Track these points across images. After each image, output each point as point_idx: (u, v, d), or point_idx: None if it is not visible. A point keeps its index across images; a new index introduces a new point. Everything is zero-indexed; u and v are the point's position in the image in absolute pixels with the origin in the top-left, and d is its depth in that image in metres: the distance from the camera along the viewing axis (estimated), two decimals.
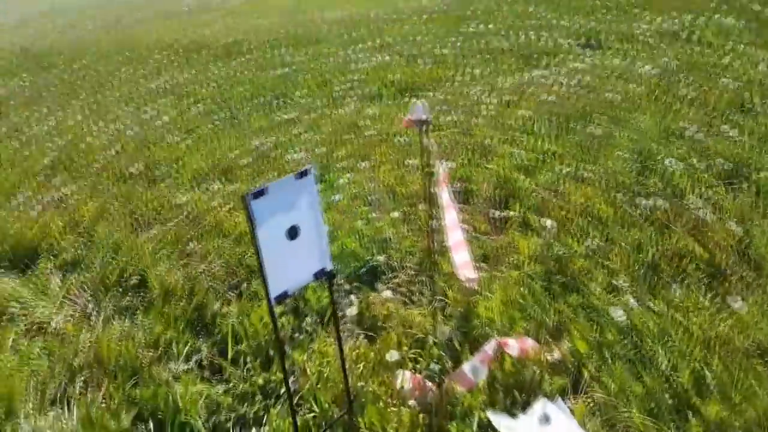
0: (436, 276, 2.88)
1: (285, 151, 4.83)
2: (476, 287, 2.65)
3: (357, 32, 9.78)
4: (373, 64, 7.31)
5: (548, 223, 3.04)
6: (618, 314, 2.35)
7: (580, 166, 3.72)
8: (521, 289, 2.71)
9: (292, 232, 1.90)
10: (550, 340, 2.46)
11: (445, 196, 2.40)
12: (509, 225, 3.30)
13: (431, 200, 2.41)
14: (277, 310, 2.92)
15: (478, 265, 2.98)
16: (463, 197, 3.75)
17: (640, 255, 2.84)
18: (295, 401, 2.45)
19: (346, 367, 2.24)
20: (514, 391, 2.25)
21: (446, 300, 2.76)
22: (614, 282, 2.67)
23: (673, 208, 3.10)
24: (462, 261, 2.55)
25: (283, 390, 2.51)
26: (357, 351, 2.53)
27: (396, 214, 3.53)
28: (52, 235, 4.17)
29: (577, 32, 7.23)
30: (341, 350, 2.22)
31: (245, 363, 2.71)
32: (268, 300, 1.87)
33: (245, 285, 3.26)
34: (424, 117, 2.18)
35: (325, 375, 2.42)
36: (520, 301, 2.65)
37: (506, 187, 3.65)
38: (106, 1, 28.04)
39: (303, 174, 1.91)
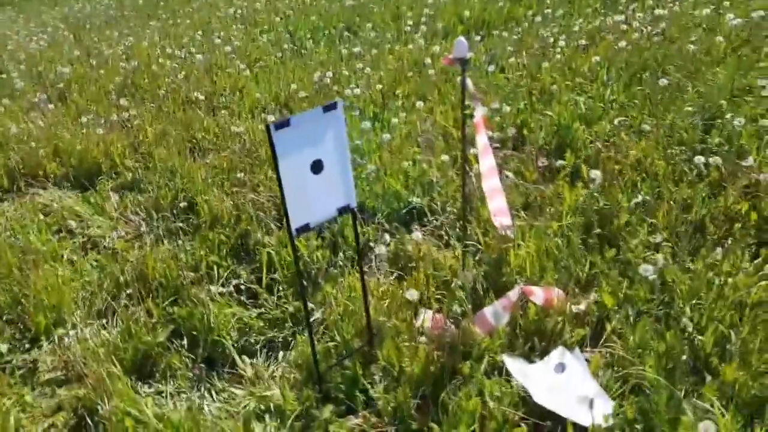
0: (473, 221, 2.83)
1: (345, 87, 4.78)
2: (511, 234, 2.58)
3: None
4: None
5: (595, 174, 2.89)
6: (650, 271, 2.24)
7: (642, 118, 3.48)
8: (557, 240, 2.62)
9: (316, 166, 1.90)
10: (578, 291, 2.39)
11: (482, 140, 2.32)
12: (559, 175, 3.17)
13: (465, 143, 2.33)
14: (315, 243, 2.96)
15: (518, 213, 2.90)
16: (517, 143, 3.62)
17: (688, 214, 2.67)
18: (320, 330, 2.53)
19: (369, 302, 2.27)
20: (534, 338, 2.23)
21: (479, 245, 2.71)
22: (653, 239, 2.53)
23: (730, 168, 2.87)
24: (497, 207, 2.49)
25: (311, 318, 2.58)
26: (383, 288, 2.55)
27: (446, 158, 3.46)
28: (114, 156, 4.37)
29: None
30: (364, 286, 2.25)
31: (279, 291, 2.79)
32: (289, 231, 1.90)
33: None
34: (465, 56, 2.08)
35: (350, 309, 2.46)
36: (555, 252, 2.56)
37: (562, 136, 3.48)
38: None
39: (331, 107, 1.88)
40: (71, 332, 2.76)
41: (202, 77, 5.61)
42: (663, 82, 3.71)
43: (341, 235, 3.07)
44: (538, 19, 5.66)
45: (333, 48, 6.03)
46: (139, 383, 2.47)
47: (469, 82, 2.14)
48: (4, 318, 2.91)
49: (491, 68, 4.61)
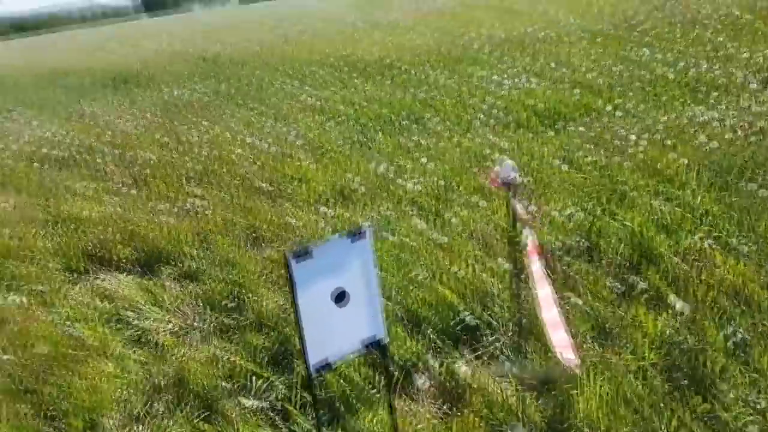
0: (533, 351, 2.51)
1: (405, 180, 4.67)
2: (578, 371, 2.24)
3: (510, 52, 9.39)
4: (518, 88, 6.90)
5: (680, 305, 2.50)
6: None
7: (734, 232, 3.07)
8: (635, 382, 2.25)
9: (340, 297, 1.71)
10: None
11: (535, 268, 2.05)
12: (636, 296, 2.80)
13: (516, 268, 2.07)
14: (360, 359, 2.73)
15: (586, 341, 2.55)
16: (587, 254, 3.29)
17: None
18: None
19: None
20: None
21: (538, 383, 2.38)
22: (755, 400, 2.11)
23: None
24: (560, 341, 2.17)
25: None
26: (420, 426, 2.26)
27: (506, 265, 3.18)
28: (180, 244, 4.41)
29: (758, 65, 6.17)
30: (395, 427, 1.98)
31: (310, 413, 2.56)
32: (307, 369, 1.70)
33: None
34: (513, 178, 1.87)
35: None
36: (631, 398, 2.19)
37: (640, 248, 3.12)
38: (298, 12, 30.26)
39: (358, 234, 1.71)
40: None
41: (272, 166, 5.70)
42: (755, 188, 3.30)
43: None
44: (611, 110, 5.35)
45: (397, 138, 6.01)
46: None
47: (518, 205, 1.91)
48: (47, 415, 2.86)
49: (564, 166, 4.32)
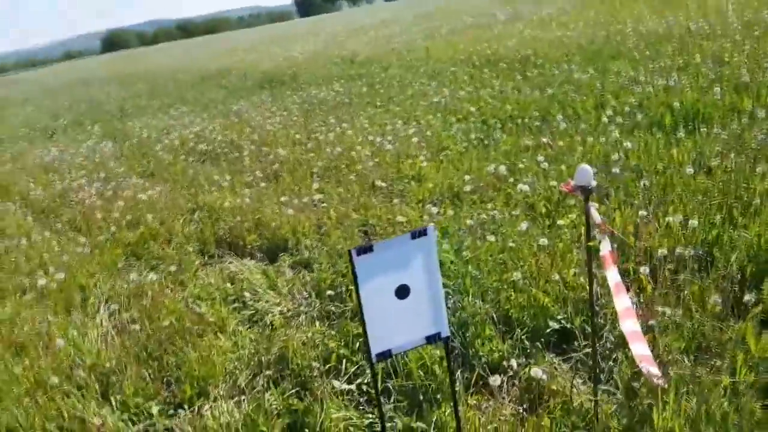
0: (619, 361, 2.41)
1: (518, 180, 4.60)
2: (661, 383, 2.13)
3: (663, 47, 8.74)
4: (662, 85, 6.42)
5: None
6: None
7: None
8: (723, 400, 2.09)
9: (402, 292, 1.80)
10: None
11: (612, 277, 1.97)
12: (750, 314, 2.57)
13: (591, 280, 2.01)
14: (438, 353, 2.79)
15: (678, 357, 2.40)
16: (702, 265, 3.05)
17: None
18: None
19: None
20: None
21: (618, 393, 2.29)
22: None
23: None
24: (641, 354, 2.08)
25: None
26: (494, 426, 2.27)
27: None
28: (299, 234, 4.74)
29: None
30: (458, 422, 2.02)
31: (392, 401, 2.67)
32: (369, 357, 1.80)
33: None
34: (590, 184, 1.82)
35: None
36: (717, 416, 2.04)
37: (757, 262, 2.84)
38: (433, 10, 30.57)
39: (420, 233, 1.78)
40: (209, 405, 2.98)
41: (391, 164, 5.89)
42: None
43: (469, 346, 2.86)
44: (762, 112, 4.81)
45: (519, 137, 5.89)
46: None
47: (595, 212, 1.86)
48: (165, 379, 3.26)
49: (690, 170, 3.99)
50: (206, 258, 4.89)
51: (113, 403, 3.08)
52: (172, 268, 4.51)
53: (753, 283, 2.76)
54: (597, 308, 2.83)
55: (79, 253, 5.17)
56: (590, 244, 1.96)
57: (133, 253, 5.20)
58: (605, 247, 1.92)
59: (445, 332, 1.89)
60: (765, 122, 4.65)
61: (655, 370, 2.10)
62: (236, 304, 4.03)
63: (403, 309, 1.80)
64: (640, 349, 2.03)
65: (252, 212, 5.34)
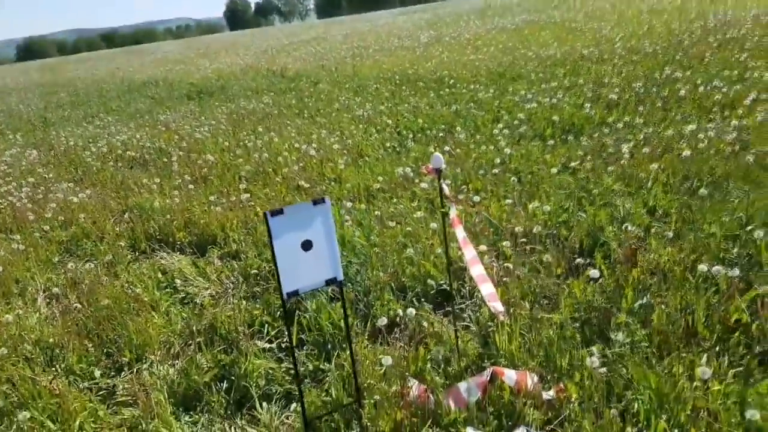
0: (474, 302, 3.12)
1: (421, 180, 5.33)
2: (503, 318, 2.84)
3: (557, 70, 9.86)
4: (548, 103, 7.41)
5: (594, 272, 3.06)
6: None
7: (678, 227, 3.58)
8: (551, 331, 2.82)
9: (306, 245, 2.41)
10: (550, 379, 2.57)
11: (459, 234, 2.67)
12: (581, 274, 3.35)
13: (446, 236, 2.70)
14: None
15: (523, 305, 3.14)
16: (552, 241, 3.84)
17: (685, 319, 2.74)
18: (326, 388, 2.95)
19: (359, 368, 2.66)
20: (502, 416, 2.44)
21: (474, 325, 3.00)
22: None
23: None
24: (488, 293, 2.78)
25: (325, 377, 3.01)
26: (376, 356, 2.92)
27: (483, 247, 3.78)
28: (227, 230, 5.24)
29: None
30: (351, 351, 2.65)
31: (306, 350, 3.27)
32: (281, 295, 2.40)
33: (330, 290, 3.82)
34: (441, 167, 2.51)
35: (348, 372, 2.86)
36: (545, 342, 2.77)
37: (595, 238, 3.67)
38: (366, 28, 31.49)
39: (320, 201, 2.40)
40: (146, 367, 3.45)
41: (314, 168, 6.50)
42: (702, 192, 3.77)
43: (371, 306, 3.51)
44: (621, 125, 5.81)
45: (426, 146, 6.67)
46: (183, 413, 3.03)
47: (445, 187, 2.55)
48: (105, 350, 3.70)
49: (555, 170, 4.86)
50: (137, 254, 5.29)
51: (58, 369, 3.50)
52: (107, 258, 4.89)
53: (586, 252, 3.57)
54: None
55: (14, 250, 5.44)
56: (442, 210, 2.65)
57: (66, 250, 5.52)
58: (452, 213, 2.60)
59: (340, 277, 2.51)
60: (622, 132, 5.62)
61: (499, 306, 2.81)
62: (168, 290, 4.48)
63: (307, 258, 2.41)
64: (486, 289, 2.73)
65: (181, 212, 5.77)
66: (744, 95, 6.06)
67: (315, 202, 2.39)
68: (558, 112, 6.80)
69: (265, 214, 2.29)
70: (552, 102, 7.39)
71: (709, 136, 5.05)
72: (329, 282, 2.50)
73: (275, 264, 2.34)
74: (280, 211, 2.32)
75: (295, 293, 2.43)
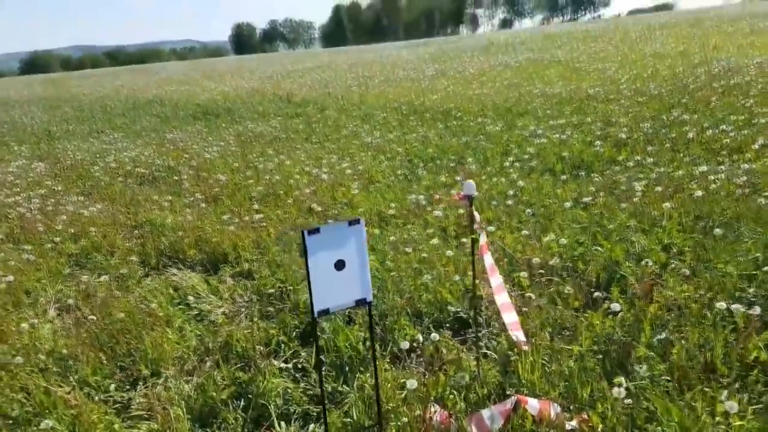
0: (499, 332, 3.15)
1: (434, 209, 5.39)
2: (525, 348, 2.86)
3: (564, 108, 10.04)
4: (557, 139, 7.54)
5: (615, 306, 3.11)
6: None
7: (693, 264, 3.64)
8: (572, 361, 2.85)
9: (339, 265, 2.45)
10: (572, 409, 2.59)
11: (487, 261, 2.72)
12: (599, 307, 3.39)
13: (474, 261, 2.75)
14: (362, 335, 3.44)
15: (542, 336, 3.17)
16: (568, 273, 3.89)
17: (704, 355, 2.77)
18: (345, 410, 2.95)
19: (380, 392, 2.67)
20: None
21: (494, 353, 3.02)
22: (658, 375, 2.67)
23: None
24: (511, 321, 2.81)
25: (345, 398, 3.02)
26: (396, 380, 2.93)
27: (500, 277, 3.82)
28: (239, 249, 5.27)
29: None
30: (376, 374, 2.66)
31: (325, 372, 3.27)
32: (312, 313, 2.43)
33: (347, 312, 3.85)
34: (472, 193, 2.57)
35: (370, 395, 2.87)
36: (566, 372, 2.79)
37: (611, 272, 3.72)
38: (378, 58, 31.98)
39: (354, 222, 2.45)
40: (162, 381, 3.44)
41: (326, 191, 6.56)
42: (717, 232, 3.84)
43: (387, 330, 3.53)
44: (631, 164, 5.92)
45: (436, 175, 6.76)
46: (199, 428, 3.02)
47: (476, 214, 2.61)
48: (119, 364, 3.69)
49: (569, 204, 4.94)
50: (148, 269, 5.31)
51: (73, 381, 3.49)
52: (123, 271, 4.91)
53: (603, 286, 3.61)
54: (486, 301, 3.59)
55: (24, 260, 5.45)
56: (472, 236, 2.70)
57: (76, 263, 5.53)
58: (482, 240, 2.66)
59: (369, 298, 2.54)
60: (633, 170, 5.72)
61: (521, 335, 2.84)
62: (180, 306, 4.50)
63: (339, 278, 2.45)
64: (510, 317, 2.76)
65: (192, 229, 5.81)
66: (752, 140, 6.20)
67: (350, 223, 2.44)
68: (567, 148, 6.93)
69: (302, 232, 2.33)
70: (561, 138, 7.52)
71: (720, 177, 5.16)
72: (359, 303, 2.54)
73: (309, 281, 2.37)
74: (316, 230, 2.36)
75: (326, 312, 2.46)
